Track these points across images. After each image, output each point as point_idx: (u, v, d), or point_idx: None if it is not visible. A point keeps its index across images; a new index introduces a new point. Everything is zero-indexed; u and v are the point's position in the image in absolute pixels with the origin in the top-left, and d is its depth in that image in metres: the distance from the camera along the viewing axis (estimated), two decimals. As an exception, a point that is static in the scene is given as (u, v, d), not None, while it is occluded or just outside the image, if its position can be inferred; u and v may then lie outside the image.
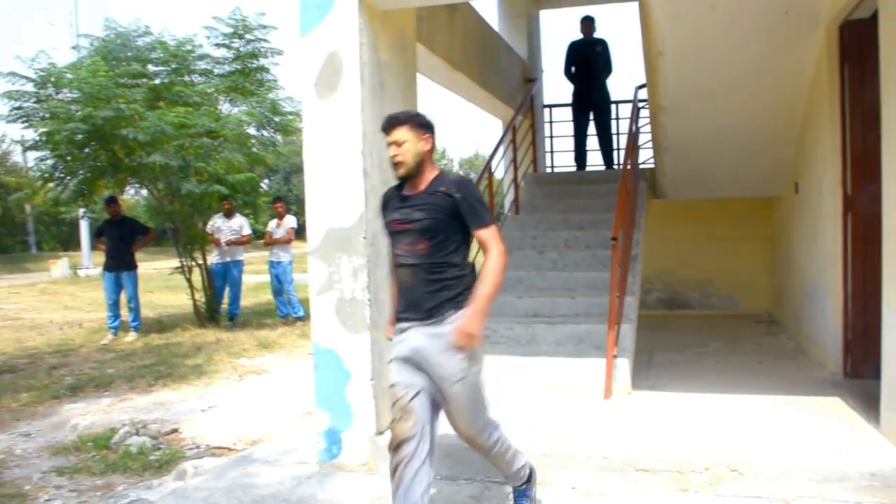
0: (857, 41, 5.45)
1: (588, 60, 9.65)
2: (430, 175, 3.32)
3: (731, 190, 8.58)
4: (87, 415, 6.24)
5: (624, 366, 5.53)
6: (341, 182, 4.59)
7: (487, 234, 3.26)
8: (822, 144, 6.05)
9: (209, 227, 11.26)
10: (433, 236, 3.24)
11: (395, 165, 3.30)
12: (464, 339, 3.14)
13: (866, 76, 5.25)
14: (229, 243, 11.17)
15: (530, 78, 10.26)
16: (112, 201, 10.67)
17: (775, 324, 8.66)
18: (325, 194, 4.64)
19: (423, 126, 3.31)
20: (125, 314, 10.51)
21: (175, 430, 5.72)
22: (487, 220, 3.28)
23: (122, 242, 10.37)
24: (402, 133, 3.26)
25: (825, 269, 6.16)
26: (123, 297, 10.38)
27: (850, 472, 3.72)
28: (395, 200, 3.40)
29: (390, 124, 3.29)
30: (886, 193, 4.20)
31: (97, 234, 11.15)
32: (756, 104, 6.78)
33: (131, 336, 10.19)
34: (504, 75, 8.94)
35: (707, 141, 7.44)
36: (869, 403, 4.62)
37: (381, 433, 4.60)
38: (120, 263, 10.31)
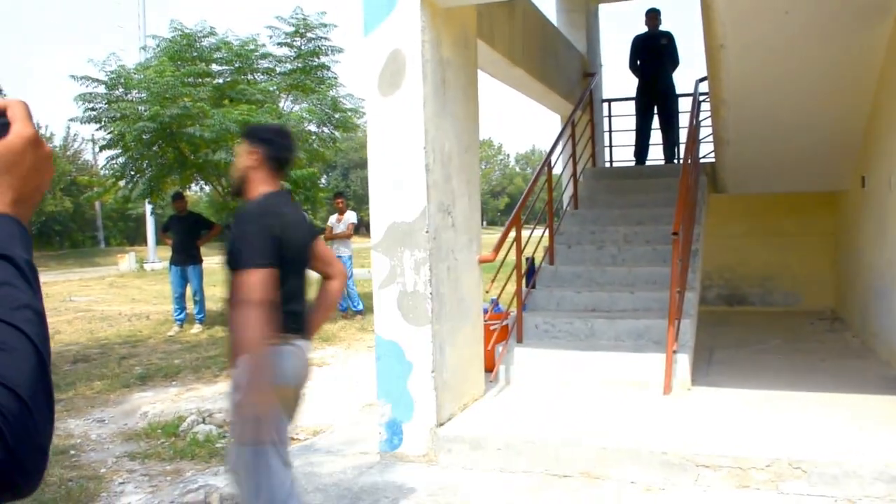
0: (928, 31, 5.31)
1: (653, 53, 9.55)
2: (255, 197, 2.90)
3: (794, 184, 8.42)
4: (156, 403, 6.47)
5: (684, 361, 5.50)
6: (404, 177, 4.68)
7: (244, 281, 2.65)
8: (891, 137, 5.90)
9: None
10: (232, 267, 2.78)
11: None
12: (243, 408, 2.72)
13: (938, 67, 5.12)
14: None
15: (589, 72, 10.20)
16: (178, 197, 10.93)
17: (839, 321, 8.46)
18: (388, 189, 4.74)
19: (254, 140, 2.94)
20: (191, 307, 10.82)
21: (241, 419, 5.90)
22: (249, 262, 2.66)
23: (187, 237, 10.61)
24: (240, 147, 3.00)
25: (893, 265, 6.02)
26: (189, 291, 10.68)
27: (919, 472, 3.66)
28: None
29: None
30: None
31: (164, 229, 11.37)
32: (821, 97, 6.64)
33: (197, 328, 10.49)
34: (563, 70, 8.92)
35: (770, 135, 7.32)
36: (939, 402, 4.52)
37: (441, 424, 4.69)
38: (186, 257, 10.55)
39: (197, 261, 10.65)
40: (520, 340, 6.25)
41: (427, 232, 4.65)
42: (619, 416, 4.83)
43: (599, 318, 6.28)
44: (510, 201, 68.21)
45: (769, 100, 6.75)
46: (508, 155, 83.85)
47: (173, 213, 11.04)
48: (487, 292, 6.21)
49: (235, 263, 2.73)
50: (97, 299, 16.10)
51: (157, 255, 29.64)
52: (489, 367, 5.87)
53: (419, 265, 4.67)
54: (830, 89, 6.52)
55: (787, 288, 9.68)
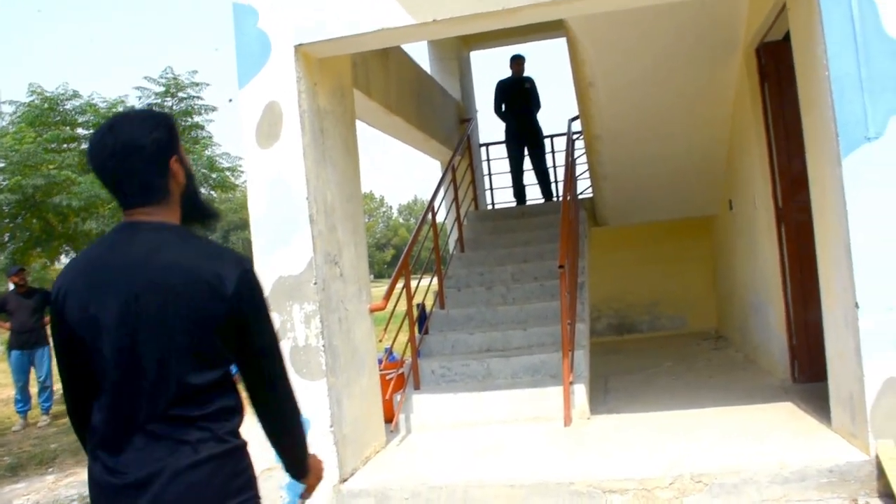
0: (773, 62, 5.72)
1: (519, 97, 9.87)
2: None
3: (669, 212, 8.80)
4: (31, 494, 5.98)
5: (581, 392, 5.57)
6: (288, 229, 4.58)
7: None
8: (751, 161, 6.28)
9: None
10: None
11: None
12: None
13: (785, 94, 5.50)
14: None
15: (465, 118, 10.43)
16: (20, 271, 9.65)
17: (723, 339, 8.84)
18: (273, 243, 4.62)
19: None
20: (36, 394, 9.60)
21: (129, 499, 5.51)
22: None
23: (31, 316, 9.43)
24: None
25: (765, 280, 6.36)
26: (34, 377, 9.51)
27: (810, 472, 3.81)
28: None
29: None
30: (814, 202, 4.38)
31: None
32: (686, 127, 7.03)
33: (43, 420, 9.37)
34: (440, 117, 9.07)
35: (642, 166, 7.65)
36: (819, 405, 4.74)
37: (344, 480, 4.54)
38: (31, 340, 9.40)
39: (44, 342, 9.44)
40: (417, 387, 6.18)
41: (315, 284, 4.55)
42: (524, 452, 4.81)
43: (495, 358, 6.29)
44: (396, 253, 68.33)
45: (639, 133, 7.08)
46: (391, 207, 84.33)
47: (11, 289, 9.72)
48: (380, 341, 6.12)
49: None
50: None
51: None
52: (388, 418, 5.76)
53: (309, 318, 4.55)
54: (693, 119, 6.90)
55: (673, 312, 10.05)
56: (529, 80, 9.99)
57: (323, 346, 4.53)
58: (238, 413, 1.81)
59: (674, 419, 5.17)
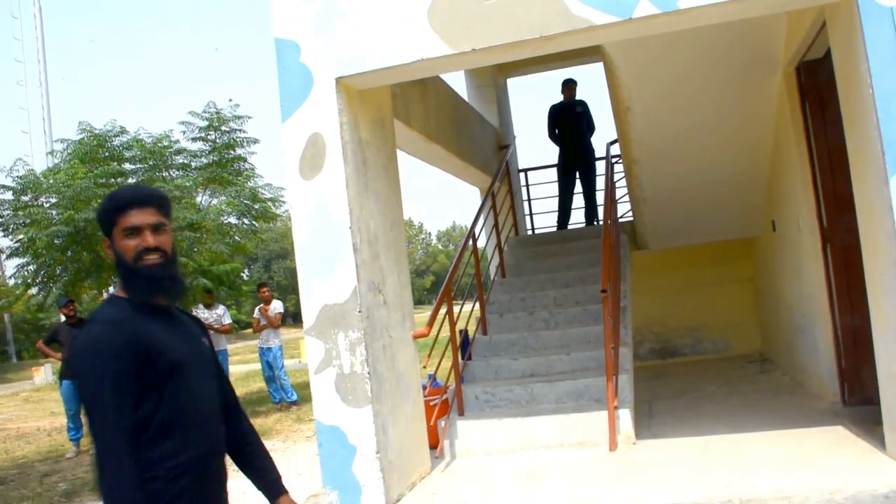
0: (813, 81, 5.68)
1: (571, 121, 9.90)
2: None
3: (710, 234, 8.72)
4: (86, 520, 6.09)
5: (626, 416, 5.53)
6: (332, 259, 4.66)
7: None
8: (794, 181, 6.21)
9: (193, 319, 11.16)
10: None
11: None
12: None
13: (827, 112, 5.45)
14: (217, 329, 11.03)
15: (504, 144, 10.49)
16: (68, 303, 9.88)
17: (768, 361, 8.70)
18: (317, 272, 4.70)
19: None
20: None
21: (179, 526, 5.58)
22: None
23: None
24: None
25: (812, 301, 6.25)
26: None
27: (864, 497, 3.73)
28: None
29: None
30: (861, 222, 4.32)
31: (48, 340, 9.95)
32: (725, 149, 6.98)
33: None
34: (478, 144, 9.14)
35: (682, 189, 7.61)
36: (871, 428, 4.64)
37: (391, 507, 4.55)
38: None
39: None
40: (461, 413, 6.18)
41: (360, 312, 4.61)
42: (570, 479, 4.78)
43: (539, 383, 6.28)
44: (435, 279, 68.48)
45: (677, 155, 7.05)
46: (430, 233, 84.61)
47: (63, 320, 9.88)
48: (424, 367, 6.14)
49: None
50: (11, 416, 15.22)
51: (76, 366, 28.15)
52: (433, 443, 5.78)
53: (354, 346, 4.61)
54: (733, 141, 6.86)
55: (716, 335, 9.91)
56: (582, 104, 10.02)
57: (368, 373, 4.58)
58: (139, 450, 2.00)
59: (720, 444, 5.10)
